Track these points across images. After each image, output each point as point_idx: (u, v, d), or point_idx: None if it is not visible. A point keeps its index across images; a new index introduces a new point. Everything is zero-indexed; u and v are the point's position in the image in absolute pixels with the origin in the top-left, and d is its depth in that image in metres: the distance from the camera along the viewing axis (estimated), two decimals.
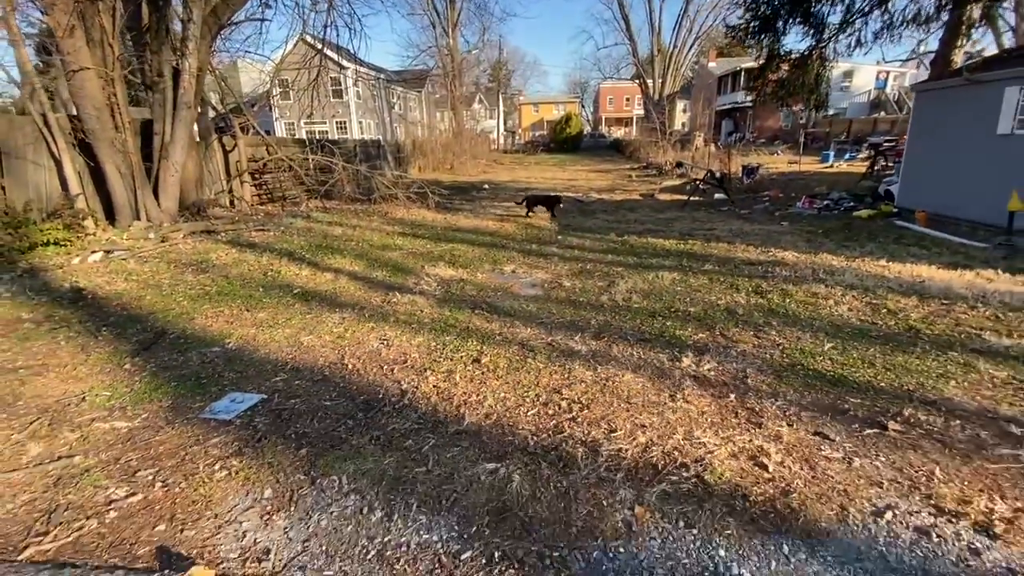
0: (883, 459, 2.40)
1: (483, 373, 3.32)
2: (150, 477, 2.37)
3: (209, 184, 8.79)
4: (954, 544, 1.90)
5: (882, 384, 3.08)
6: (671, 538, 1.95)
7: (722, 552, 1.88)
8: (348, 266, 5.99)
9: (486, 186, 15.08)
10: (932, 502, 2.12)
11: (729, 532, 1.97)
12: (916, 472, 2.30)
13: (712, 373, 3.27)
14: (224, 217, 8.34)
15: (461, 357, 3.56)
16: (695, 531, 1.98)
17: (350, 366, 3.45)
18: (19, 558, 1.92)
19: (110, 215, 7.30)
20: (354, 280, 5.47)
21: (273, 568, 1.86)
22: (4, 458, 2.52)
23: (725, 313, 4.32)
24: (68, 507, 2.18)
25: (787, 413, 2.79)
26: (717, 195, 11.57)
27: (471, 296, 4.92)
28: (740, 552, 1.88)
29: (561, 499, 2.17)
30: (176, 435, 2.69)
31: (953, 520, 2.01)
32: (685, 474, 2.31)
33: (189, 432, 2.71)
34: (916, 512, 2.06)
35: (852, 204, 9.28)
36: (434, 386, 3.16)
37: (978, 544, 1.89)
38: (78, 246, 6.42)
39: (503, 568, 1.84)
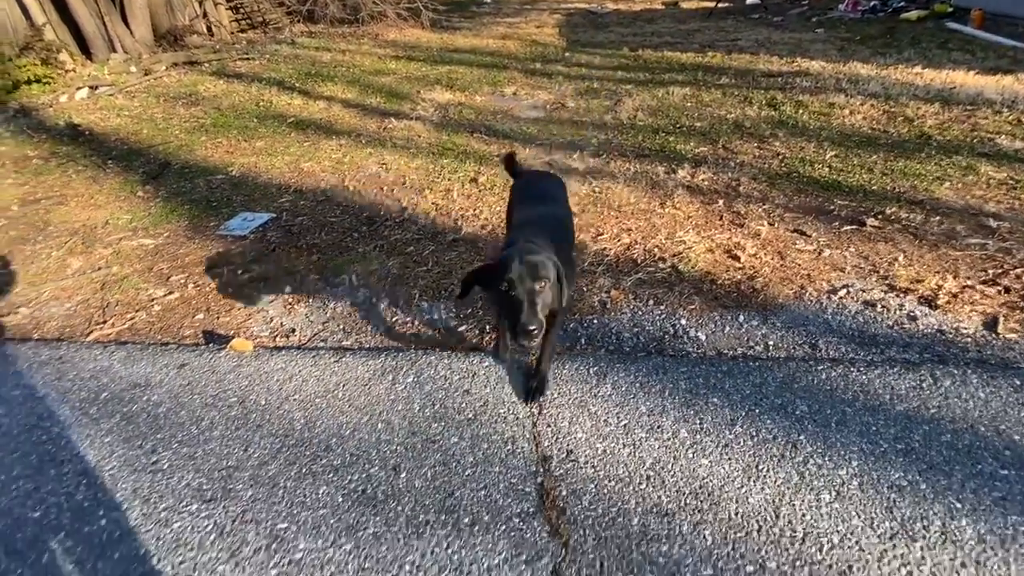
0: (852, 250, 2.56)
1: (480, 191, 3.43)
2: (182, 280, 2.68)
3: (180, 8, 8.05)
4: (896, 312, 2.14)
5: (874, 188, 3.13)
6: (640, 312, 2.23)
7: (683, 321, 2.16)
8: (341, 93, 5.76)
9: (487, 0, 13.46)
10: (887, 282, 2.33)
11: (693, 307, 2.24)
12: (880, 259, 2.48)
13: (706, 183, 3.33)
14: (204, 46, 7.81)
15: (459, 177, 3.64)
16: (662, 307, 2.25)
17: (351, 188, 3.58)
18: (87, 340, 2.30)
19: (84, 49, 6.90)
20: (348, 108, 5.31)
21: (299, 341, 2.22)
22: (52, 270, 2.84)
23: (732, 127, 4.21)
24: (117, 304, 2.53)
25: (771, 215, 2.91)
26: (749, 0, 10.25)
27: (469, 120, 4.81)
28: (699, 321, 2.15)
29: None
30: (198, 248, 2.96)
31: (901, 295, 2.24)
32: (661, 266, 2.53)
33: (210, 246, 2.97)
34: (869, 290, 2.28)
35: (903, 4, 8.20)
36: (433, 203, 3.30)
37: (917, 312, 2.13)
38: (61, 83, 6.22)
39: (493, 336, 2.16)
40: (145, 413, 1.84)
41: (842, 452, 1.53)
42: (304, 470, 1.60)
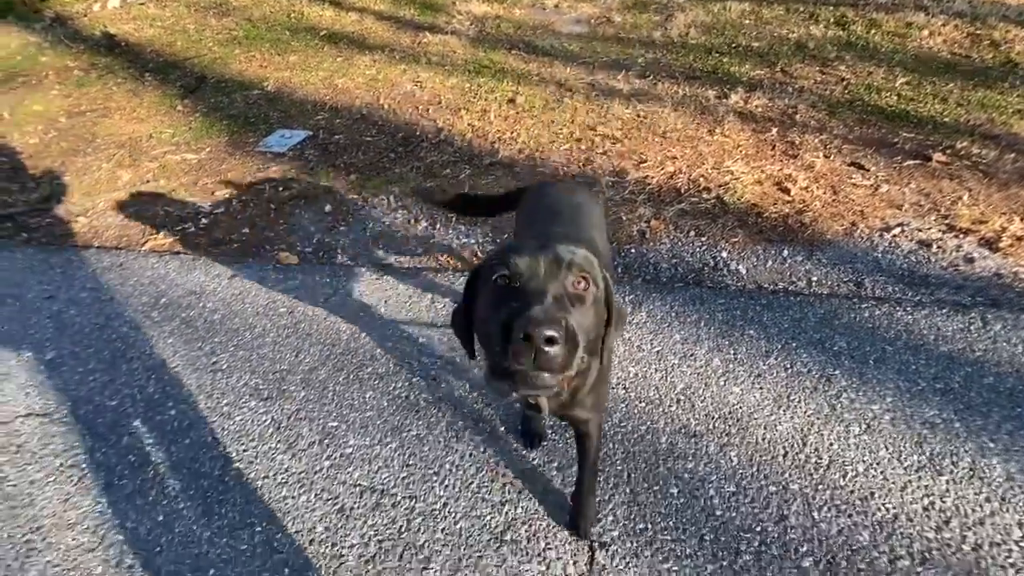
0: (913, 186, 2.41)
1: (518, 112, 3.31)
2: (227, 195, 2.75)
3: None
4: (952, 254, 2.04)
5: (946, 119, 2.88)
6: (680, 243, 2.19)
7: (724, 254, 2.12)
8: (373, 4, 5.48)
9: None
10: (947, 222, 2.20)
11: (735, 240, 2.18)
12: (942, 197, 2.33)
13: (759, 109, 3.12)
14: None
15: (496, 97, 3.50)
16: (703, 239, 2.20)
17: (386, 106, 3.50)
18: (143, 249, 2.41)
19: None
20: (380, 20, 5.07)
21: (341, 259, 2.28)
22: (104, 181, 2.94)
23: (793, 48, 3.86)
24: (167, 216, 2.62)
25: (828, 146, 2.74)
26: None
27: (507, 35, 4.54)
28: (741, 254, 2.11)
29: None
30: (239, 164, 2.99)
31: (960, 236, 2.12)
32: (706, 196, 2.45)
33: (250, 162, 3.00)
34: (925, 229, 2.17)
35: None
36: (469, 124, 3.21)
37: (975, 254, 2.03)
38: None
39: None
40: (202, 319, 1.96)
41: (877, 388, 1.53)
42: (351, 376, 1.70)
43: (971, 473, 1.32)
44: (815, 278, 1.98)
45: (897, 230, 2.19)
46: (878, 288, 1.92)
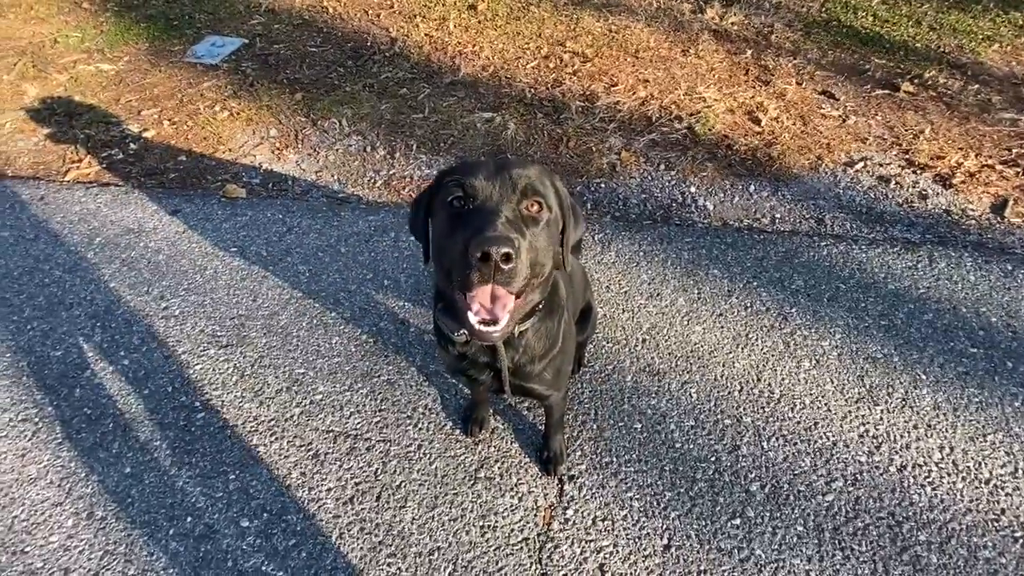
0: (879, 118, 2.42)
1: (480, 22, 3.04)
2: (156, 116, 2.47)
3: None
4: (908, 190, 2.10)
5: (917, 45, 2.84)
6: (650, 177, 2.16)
7: (693, 189, 2.10)
8: None
9: None
10: (907, 156, 2.24)
11: (704, 174, 2.16)
12: (905, 131, 2.36)
13: (735, 27, 2.98)
14: None
15: (455, 3, 3.18)
16: (673, 172, 2.17)
17: (331, 10, 3.13)
18: (66, 180, 2.18)
19: None
20: None
21: (294, 191, 2.13)
22: (7, 97, 2.57)
23: None
24: (89, 140, 2.34)
25: (801, 72, 2.67)
26: None
27: None
28: (709, 189, 2.10)
29: (553, 145, 2.30)
30: (166, 78, 2.67)
31: (918, 171, 2.18)
32: (677, 126, 2.38)
33: (178, 75, 2.68)
34: (886, 164, 2.21)
35: None
36: (426, 35, 2.93)
37: (929, 191, 2.10)
38: None
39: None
40: (145, 260, 1.83)
41: (828, 325, 1.62)
42: (315, 321, 1.66)
43: (903, 403, 1.45)
44: (779, 215, 2.02)
45: (860, 165, 2.23)
46: (837, 225, 1.97)
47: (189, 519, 1.29)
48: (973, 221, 1.99)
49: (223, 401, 1.49)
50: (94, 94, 2.58)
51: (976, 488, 1.31)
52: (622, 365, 1.54)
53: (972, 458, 1.36)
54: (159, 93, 2.59)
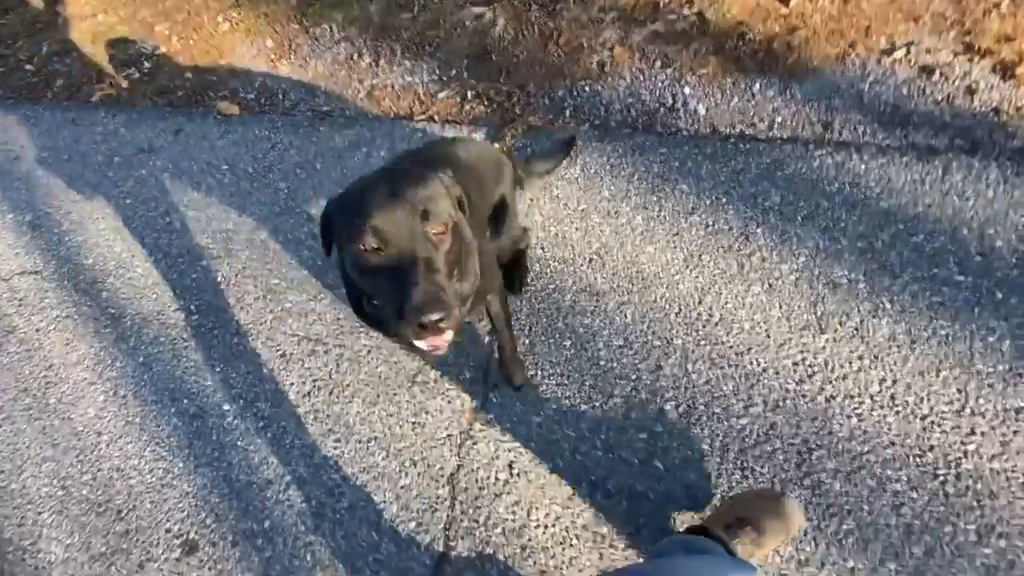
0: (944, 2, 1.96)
1: None
2: (166, 32, 2.56)
3: None
4: (954, 83, 1.76)
5: None
6: (641, 77, 1.97)
7: (687, 90, 1.90)
8: None
9: None
10: (966, 39, 1.84)
11: (704, 71, 1.93)
12: (977, 6, 1.90)
13: None
14: None
15: None
16: (669, 71, 1.96)
17: None
18: (92, 101, 2.38)
19: None
20: None
21: (284, 106, 2.19)
22: (43, 20, 2.75)
23: None
24: (111, 60, 2.50)
25: None
26: None
27: None
28: (705, 90, 1.89)
29: (543, 43, 2.13)
30: None
31: (974, 59, 1.79)
32: (686, 12, 2.09)
33: None
34: (936, 50, 1.83)
35: None
36: None
37: (982, 83, 1.74)
38: None
39: (474, 105, 2.03)
40: (153, 179, 2.03)
41: (794, 248, 1.51)
42: (289, 236, 1.80)
43: (855, 333, 1.37)
44: (780, 119, 1.79)
45: (901, 52, 1.87)
46: (847, 130, 1.73)
47: (185, 401, 1.58)
48: None
49: (212, 306, 1.71)
50: (115, 11, 2.69)
51: (909, 423, 1.26)
52: (564, 284, 1.56)
53: (915, 393, 1.29)
54: (169, 6, 2.65)
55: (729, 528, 1.07)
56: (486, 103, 2.03)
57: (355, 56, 2.28)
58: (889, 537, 1.18)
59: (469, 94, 2.08)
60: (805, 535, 1.20)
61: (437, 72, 2.15)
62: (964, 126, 1.67)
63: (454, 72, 2.15)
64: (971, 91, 1.74)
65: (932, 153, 1.61)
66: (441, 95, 2.10)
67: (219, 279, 1.76)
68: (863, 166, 1.60)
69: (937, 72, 1.79)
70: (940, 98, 1.75)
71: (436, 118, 2.01)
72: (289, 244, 1.78)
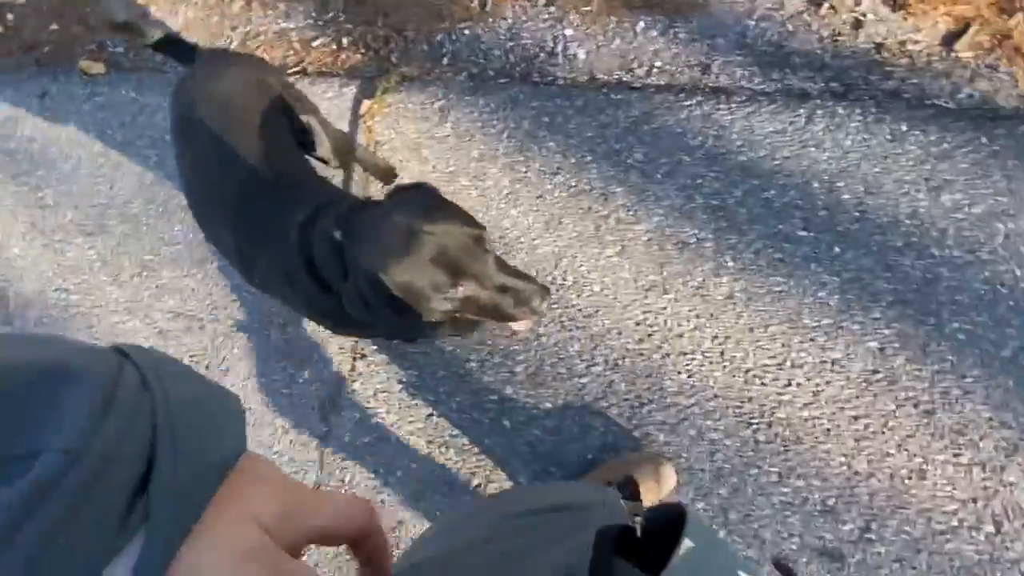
0: None
1: None
2: None
3: None
4: (841, 16, 1.68)
5: None
6: (524, 18, 1.86)
7: (569, 32, 1.81)
8: None
9: None
10: None
11: (589, 8, 1.82)
12: None
13: None
14: None
15: None
16: (552, 10, 1.84)
17: None
18: None
19: None
20: None
21: (153, 62, 2.05)
22: None
23: None
24: None
25: None
26: None
27: None
28: (587, 31, 1.80)
29: None
30: None
31: None
32: None
33: None
34: None
35: None
36: None
37: (869, 16, 1.67)
38: None
39: (350, 54, 1.92)
40: (22, 150, 1.96)
41: (652, 207, 1.52)
42: (161, 208, 1.78)
43: (696, 292, 1.42)
44: (659, 63, 1.72)
45: None
46: (725, 74, 1.67)
47: None
48: (906, 59, 1.60)
49: (90, 285, 1.73)
50: None
51: (733, 377, 1.35)
52: None
53: (743, 348, 1.37)
54: None
55: (616, 485, 1.19)
56: (363, 51, 1.93)
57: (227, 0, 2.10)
58: (701, 480, 1.30)
59: (345, 40, 1.96)
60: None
61: (314, 15, 2.01)
62: (843, 66, 1.63)
63: (331, 15, 2.01)
64: (858, 25, 1.67)
65: (802, 99, 1.58)
66: (316, 43, 1.98)
67: (95, 256, 1.76)
68: (729, 116, 1.57)
69: (827, 3, 1.70)
70: (826, 34, 1.68)
71: (309, 70, 1.91)
72: (162, 217, 1.76)
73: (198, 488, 0.22)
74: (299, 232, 0.89)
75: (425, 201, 0.83)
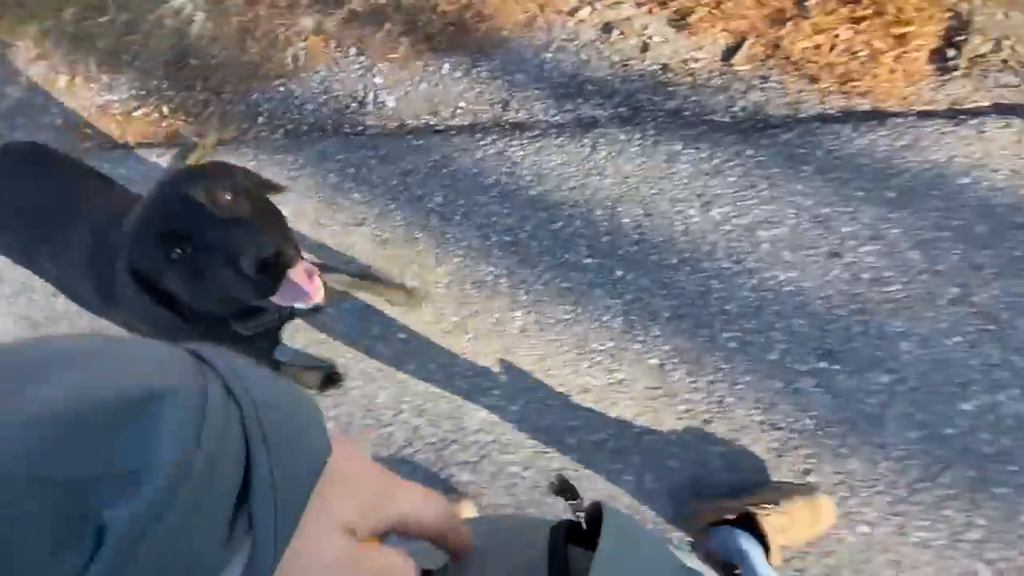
0: None
1: None
2: None
3: None
4: (632, 40, 1.77)
5: None
6: (336, 68, 1.91)
7: (378, 80, 1.86)
8: None
9: None
10: None
11: (396, 55, 1.88)
12: None
13: None
14: None
15: None
16: (363, 58, 1.91)
17: None
18: None
19: None
20: None
21: None
22: None
23: None
24: None
25: None
26: None
27: None
28: (397, 77, 1.87)
29: (240, 38, 2.00)
30: None
31: (652, 11, 1.78)
32: None
33: None
34: (617, 4, 1.80)
35: None
36: None
37: (655, 38, 1.76)
38: None
39: (172, 121, 1.94)
40: None
41: (451, 248, 1.58)
42: None
43: (492, 329, 1.48)
44: (463, 103, 1.78)
45: (586, 10, 1.84)
46: (523, 109, 1.75)
47: None
48: (689, 77, 1.69)
49: None
50: None
51: (528, 408, 1.39)
52: None
53: (537, 379, 1.41)
54: None
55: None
56: (184, 117, 1.94)
57: (52, 75, 2.11)
58: (496, 508, 1.34)
59: (166, 108, 1.98)
60: None
61: (136, 85, 2.03)
62: (631, 90, 1.71)
63: (154, 83, 2.03)
64: (645, 48, 1.75)
65: (588, 128, 1.65)
66: (138, 112, 2.00)
67: None
68: (521, 152, 1.64)
69: (616, 30, 1.79)
70: (617, 60, 1.76)
71: (131, 142, 1.91)
72: None
73: (296, 496, 0.22)
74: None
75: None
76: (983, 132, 1.42)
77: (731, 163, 1.52)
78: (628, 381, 1.39)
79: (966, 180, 1.40)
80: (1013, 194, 1.38)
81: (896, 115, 1.50)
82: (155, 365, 0.22)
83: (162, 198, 0.82)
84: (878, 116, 1.52)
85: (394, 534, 0.28)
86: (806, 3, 1.71)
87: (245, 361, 0.25)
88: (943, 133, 1.45)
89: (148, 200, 0.85)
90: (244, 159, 1.80)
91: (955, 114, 1.48)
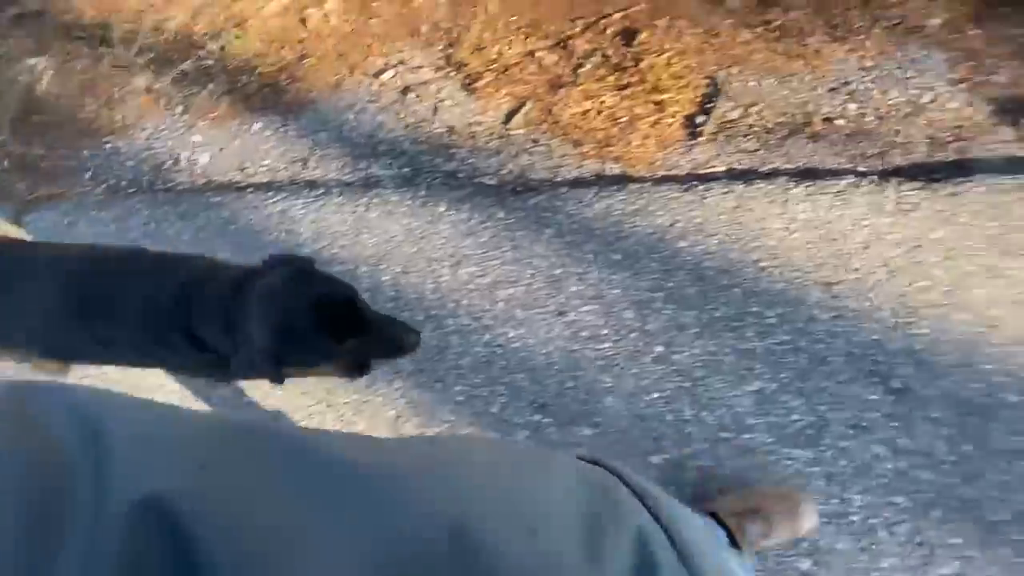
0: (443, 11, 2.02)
1: None
2: None
3: None
4: (426, 102, 1.88)
5: None
6: (162, 127, 2.04)
7: (197, 137, 1.99)
8: None
9: None
10: (448, 52, 1.95)
11: (216, 114, 2.02)
12: (470, 11, 1.98)
13: None
14: None
15: None
16: (187, 117, 2.02)
17: None
18: None
19: None
20: None
21: None
22: None
23: None
24: None
25: None
26: None
27: None
28: (213, 135, 1.99)
29: (81, 96, 2.13)
30: None
31: (448, 74, 1.90)
32: (212, 47, 2.12)
33: None
34: (419, 68, 1.93)
35: None
36: None
37: (448, 100, 1.87)
38: None
39: (7, 177, 2.04)
40: None
41: None
42: None
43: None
44: (268, 161, 1.91)
45: (390, 73, 1.97)
46: (319, 167, 1.86)
47: None
48: (471, 140, 1.80)
49: None
50: None
51: None
52: None
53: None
54: None
55: (739, 515, 1.10)
56: (19, 173, 2.05)
57: None
58: None
59: (6, 163, 2.09)
60: None
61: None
62: (417, 151, 1.82)
63: (1, 138, 2.13)
64: (434, 110, 1.87)
65: (371, 187, 1.75)
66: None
67: None
68: (303, 211, 1.75)
69: (413, 92, 1.91)
70: (411, 122, 1.88)
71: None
72: None
73: None
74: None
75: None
76: (706, 198, 1.53)
77: (484, 224, 1.62)
78: (367, 432, 1.48)
79: (684, 244, 1.50)
80: (723, 258, 1.48)
81: (636, 180, 1.61)
82: (556, 480, 0.25)
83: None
84: (622, 181, 1.63)
85: None
86: (580, 70, 1.84)
87: (648, 482, 0.27)
88: (671, 199, 1.55)
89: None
90: (64, 216, 1.91)
91: (691, 179, 1.59)
